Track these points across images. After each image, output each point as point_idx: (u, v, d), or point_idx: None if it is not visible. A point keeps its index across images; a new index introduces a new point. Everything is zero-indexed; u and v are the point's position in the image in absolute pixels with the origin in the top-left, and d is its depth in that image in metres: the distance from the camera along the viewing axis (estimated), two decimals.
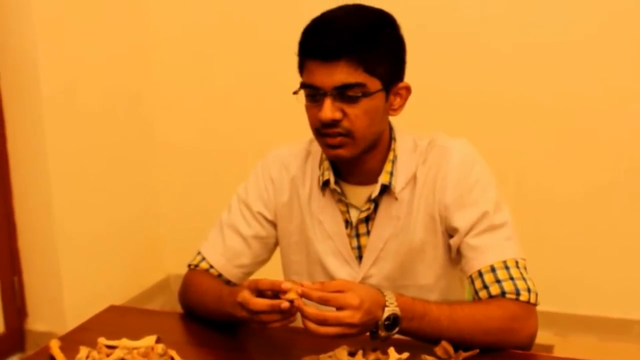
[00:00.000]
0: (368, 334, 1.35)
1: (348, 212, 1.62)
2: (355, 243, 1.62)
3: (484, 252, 1.50)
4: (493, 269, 1.48)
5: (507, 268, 1.48)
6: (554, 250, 3.20)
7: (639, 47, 3.01)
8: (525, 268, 1.51)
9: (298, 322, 1.34)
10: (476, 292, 1.50)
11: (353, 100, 1.45)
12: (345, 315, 1.27)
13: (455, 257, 1.59)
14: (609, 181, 3.15)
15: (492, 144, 2.95)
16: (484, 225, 1.51)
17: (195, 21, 3.59)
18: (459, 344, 1.38)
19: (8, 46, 2.96)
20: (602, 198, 3.17)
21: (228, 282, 1.69)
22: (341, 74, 1.44)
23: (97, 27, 3.24)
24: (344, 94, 1.45)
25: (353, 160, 1.54)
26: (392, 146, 1.59)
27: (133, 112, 3.55)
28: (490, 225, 1.51)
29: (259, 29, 3.48)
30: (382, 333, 1.34)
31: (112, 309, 1.76)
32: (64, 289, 3.16)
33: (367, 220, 1.60)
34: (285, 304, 1.29)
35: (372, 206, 1.58)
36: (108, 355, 1.41)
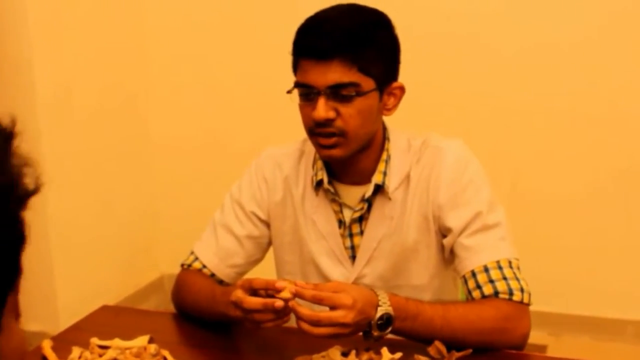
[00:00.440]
0: (361, 333, 1.35)
1: (341, 211, 1.62)
2: (348, 243, 1.62)
3: (477, 252, 1.50)
4: (486, 269, 1.48)
5: (500, 268, 1.48)
6: (548, 250, 3.20)
7: (633, 49, 3.01)
8: (518, 268, 1.51)
9: (292, 322, 1.34)
10: (469, 292, 1.50)
11: (347, 99, 1.45)
12: (338, 315, 1.27)
13: (448, 257, 1.59)
14: (603, 182, 3.15)
15: (487, 144, 2.95)
16: (478, 225, 1.51)
17: (191, 20, 3.59)
18: (452, 344, 1.38)
19: (3, 45, 2.95)
20: (596, 199, 3.17)
21: (221, 282, 1.68)
22: (335, 73, 1.44)
23: (92, 26, 3.24)
24: (338, 93, 1.45)
25: (346, 160, 1.54)
26: (386, 146, 1.59)
27: (128, 112, 3.55)
28: (484, 225, 1.51)
29: (254, 29, 3.47)
30: (376, 333, 1.34)
31: (105, 309, 1.76)
32: (57, 289, 3.15)
33: (361, 220, 1.60)
34: (279, 303, 1.29)
35: (366, 206, 1.58)
36: (101, 356, 1.41)
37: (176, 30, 3.62)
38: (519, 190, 3.22)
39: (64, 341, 1.50)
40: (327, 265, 1.63)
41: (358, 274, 1.61)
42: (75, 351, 1.42)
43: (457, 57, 3.21)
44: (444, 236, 1.57)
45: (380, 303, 1.34)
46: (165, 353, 1.41)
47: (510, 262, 1.50)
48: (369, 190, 1.57)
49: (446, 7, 3.20)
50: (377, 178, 1.56)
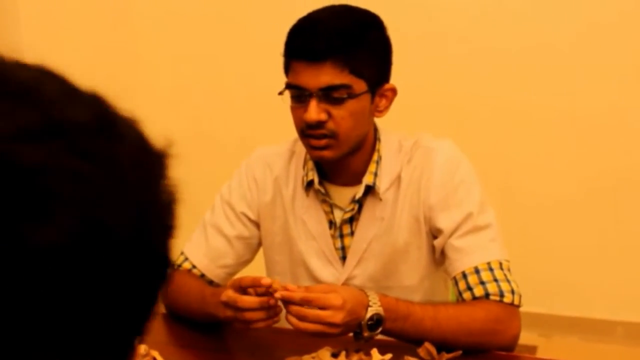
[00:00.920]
0: (351, 334, 1.35)
1: (332, 212, 1.61)
2: (339, 244, 1.62)
3: (468, 254, 1.50)
4: (477, 271, 1.48)
5: (491, 270, 1.48)
6: (538, 251, 3.20)
7: (625, 51, 3.02)
8: (509, 269, 1.51)
9: (282, 323, 1.34)
10: (460, 294, 1.50)
11: (338, 101, 1.45)
12: (327, 314, 1.28)
13: (439, 258, 1.59)
14: (594, 184, 3.16)
15: (478, 146, 2.95)
16: (468, 226, 1.51)
17: (182, 19, 3.58)
18: (443, 345, 1.38)
19: None
20: (586, 201, 3.18)
21: (211, 283, 1.68)
22: (327, 75, 1.43)
23: (83, 25, 3.23)
24: (330, 95, 1.45)
25: (337, 161, 1.54)
26: (377, 147, 1.59)
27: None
28: (475, 227, 1.51)
29: (246, 27, 3.47)
30: (366, 333, 1.34)
31: None
32: None
33: (351, 220, 1.60)
34: (273, 300, 1.30)
35: (356, 207, 1.58)
36: None
37: (167, 28, 3.61)
38: (510, 191, 3.22)
39: None
40: (317, 266, 1.63)
41: (348, 274, 1.61)
42: None
43: (449, 59, 3.22)
44: (435, 237, 1.57)
45: (370, 303, 1.34)
46: (155, 353, 1.40)
47: (501, 264, 1.50)
48: (359, 191, 1.56)
49: (437, 7, 3.21)
50: (367, 179, 1.56)
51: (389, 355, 1.33)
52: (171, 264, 0.48)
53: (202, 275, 1.67)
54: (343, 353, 1.35)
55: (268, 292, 1.33)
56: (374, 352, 1.33)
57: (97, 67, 3.35)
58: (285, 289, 1.31)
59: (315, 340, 1.33)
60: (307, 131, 1.48)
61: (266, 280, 1.32)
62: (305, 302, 1.30)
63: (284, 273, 1.68)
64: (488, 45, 3.16)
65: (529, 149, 3.21)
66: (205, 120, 3.62)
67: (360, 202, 1.58)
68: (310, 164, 1.60)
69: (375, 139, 1.60)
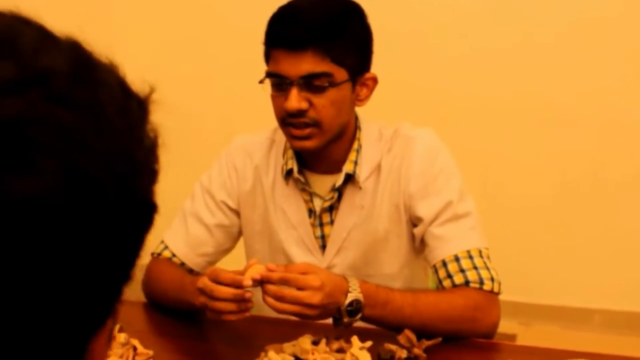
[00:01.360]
0: (331, 321, 1.36)
1: (312, 201, 1.61)
2: (318, 232, 1.62)
3: (448, 242, 1.51)
4: (457, 259, 1.49)
5: (470, 257, 1.49)
6: (517, 242, 3.22)
7: (605, 49, 3.05)
8: (488, 257, 1.52)
9: (261, 310, 1.34)
10: (440, 282, 1.51)
11: (319, 90, 1.45)
12: (305, 295, 1.29)
13: (419, 246, 1.60)
14: (572, 175, 3.18)
15: (458, 137, 2.96)
16: (448, 214, 1.52)
17: (164, 9, 3.56)
18: (422, 332, 1.39)
19: None
20: (564, 193, 3.20)
21: (191, 271, 1.67)
22: (308, 64, 1.43)
23: (63, 18, 3.20)
24: (311, 83, 1.44)
25: (318, 150, 1.54)
26: (357, 135, 1.59)
27: None
28: (454, 215, 1.52)
29: (225, 15, 3.45)
30: (345, 319, 1.35)
31: None
32: None
33: (331, 209, 1.60)
34: (249, 294, 1.29)
35: (336, 195, 1.58)
36: None
37: (148, 18, 3.58)
38: (490, 183, 3.24)
39: None
40: (297, 255, 1.62)
41: (328, 263, 1.61)
42: None
43: (433, 55, 3.23)
44: (415, 225, 1.57)
45: (350, 289, 1.35)
46: (135, 342, 1.40)
47: (480, 252, 1.50)
48: (339, 179, 1.56)
49: (423, 2, 3.22)
50: (347, 167, 1.56)
51: (369, 343, 1.33)
52: (157, 208, 0.48)
53: (182, 264, 1.67)
54: (323, 341, 1.35)
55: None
56: (354, 339, 1.34)
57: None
58: (266, 267, 1.32)
59: (296, 328, 1.33)
60: (288, 119, 1.47)
61: (247, 282, 1.31)
62: (283, 282, 1.31)
63: (263, 261, 1.66)
64: (471, 41, 3.17)
65: (510, 141, 3.23)
66: (184, 110, 3.60)
67: (340, 191, 1.58)
68: (290, 152, 1.60)
69: (356, 127, 1.60)
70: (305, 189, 1.61)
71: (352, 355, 1.31)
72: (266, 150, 1.67)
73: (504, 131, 3.22)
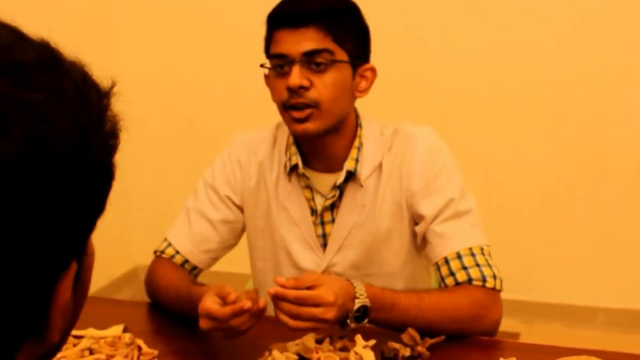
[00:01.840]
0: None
1: (313, 199, 1.62)
2: (320, 231, 1.62)
3: (450, 239, 1.51)
4: (459, 256, 1.50)
5: (472, 255, 1.49)
6: (520, 240, 3.22)
7: (605, 45, 3.05)
8: (489, 254, 1.52)
9: (268, 311, 1.34)
10: (442, 279, 1.51)
11: (321, 69, 1.47)
12: (320, 311, 1.27)
13: (420, 244, 1.60)
14: (575, 173, 3.18)
15: (460, 134, 2.97)
16: (450, 212, 1.52)
17: (163, 5, 3.57)
18: (427, 332, 1.39)
19: None
20: (567, 189, 3.20)
21: (194, 268, 1.68)
22: (310, 41, 1.46)
23: (62, 13, 3.21)
24: (312, 61, 1.46)
25: (318, 143, 1.54)
26: (358, 133, 1.59)
27: None
28: (456, 212, 1.52)
29: (225, 11, 3.46)
30: (352, 324, 1.34)
31: None
32: None
33: (332, 207, 1.60)
34: (247, 304, 1.26)
35: (337, 193, 1.58)
36: (75, 345, 1.40)
37: (147, 15, 3.59)
38: (492, 182, 3.24)
39: None
40: (299, 252, 1.63)
41: (329, 262, 1.61)
42: None
43: (433, 53, 3.23)
44: (416, 223, 1.57)
45: (357, 295, 1.34)
46: (140, 342, 1.41)
47: (482, 249, 1.51)
48: (340, 177, 1.57)
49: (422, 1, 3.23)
50: (349, 164, 1.56)
51: (373, 341, 1.34)
52: (113, 175, 0.59)
53: (186, 261, 1.67)
54: (327, 339, 1.36)
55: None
56: (358, 338, 1.34)
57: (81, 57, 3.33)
58: (275, 282, 1.29)
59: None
60: (290, 101, 1.48)
61: (247, 304, 1.27)
62: (298, 302, 1.28)
63: (266, 258, 1.69)
64: (471, 42, 3.18)
65: (511, 138, 3.23)
66: (186, 107, 3.62)
67: (341, 189, 1.58)
68: (293, 148, 1.60)
69: (357, 124, 1.60)
70: (308, 186, 1.61)
71: (356, 353, 1.31)
72: (270, 147, 1.67)
73: (505, 129, 3.22)
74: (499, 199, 3.22)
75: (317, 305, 1.28)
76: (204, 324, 1.32)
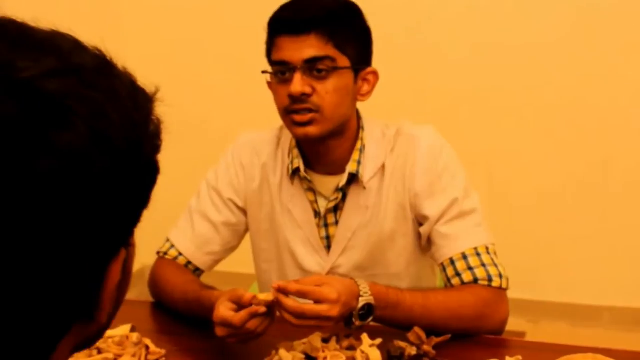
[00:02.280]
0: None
1: (316, 202, 1.62)
2: (324, 233, 1.63)
3: (455, 240, 1.52)
4: (465, 256, 1.50)
5: (478, 255, 1.50)
6: (525, 238, 3.22)
7: (606, 44, 3.05)
8: (495, 253, 1.52)
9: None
10: (448, 280, 1.52)
11: (322, 76, 1.47)
12: (323, 309, 1.28)
13: (425, 244, 1.60)
14: (579, 172, 3.18)
15: (465, 135, 2.97)
16: (454, 212, 1.53)
17: (168, 8, 3.58)
18: (433, 331, 1.39)
19: None
20: (572, 188, 3.20)
21: (196, 270, 1.68)
22: (311, 48, 1.45)
23: (68, 14, 3.21)
24: (314, 68, 1.46)
25: (321, 146, 1.54)
26: (360, 135, 1.59)
27: None
28: (460, 212, 1.53)
29: (229, 12, 3.47)
30: (357, 322, 1.35)
31: None
32: None
33: (336, 210, 1.61)
34: (262, 309, 1.28)
35: (340, 195, 1.58)
36: None
37: (153, 16, 3.60)
38: (496, 181, 3.24)
39: None
40: (303, 254, 1.63)
41: (333, 264, 1.62)
42: None
43: (436, 52, 3.23)
44: (421, 224, 1.58)
45: (361, 293, 1.35)
46: (147, 341, 1.41)
47: (487, 248, 1.51)
48: (343, 179, 1.57)
49: (425, 2, 3.23)
50: (351, 167, 1.56)
51: (379, 340, 1.34)
52: (159, 170, 0.64)
53: (189, 263, 1.67)
54: (334, 338, 1.37)
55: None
56: (365, 337, 1.35)
57: None
58: (278, 284, 1.29)
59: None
60: (292, 107, 1.48)
61: (262, 309, 1.28)
62: (300, 295, 1.29)
63: (270, 260, 1.69)
64: (475, 39, 3.18)
65: (515, 138, 3.23)
66: (190, 106, 3.61)
67: (344, 191, 1.59)
68: (296, 151, 1.60)
69: (359, 127, 1.61)
70: (311, 189, 1.61)
71: (362, 352, 1.32)
72: (273, 149, 1.67)
73: (509, 128, 3.22)
74: (504, 198, 3.22)
75: (320, 302, 1.28)
76: (220, 331, 1.32)
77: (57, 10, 3.12)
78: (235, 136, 1.74)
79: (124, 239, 0.61)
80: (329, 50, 1.46)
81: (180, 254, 1.67)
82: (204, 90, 3.58)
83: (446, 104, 3.22)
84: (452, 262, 1.51)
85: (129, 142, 0.57)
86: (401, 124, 1.61)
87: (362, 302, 1.34)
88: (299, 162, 1.59)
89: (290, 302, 1.28)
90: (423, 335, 1.37)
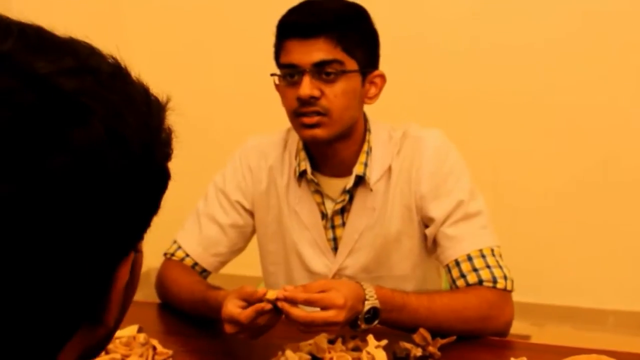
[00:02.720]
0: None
1: (323, 203, 1.63)
2: (330, 235, 1.63)
3: (460, 241, 1.52)
4: (470, 258, 1.50)
5: (483, 256, 1.50)
6: (529, 241, 3.22)
7: (610, 45, 3.05)
8: (500, 255, 1.53)
9: None
10: (453, 281, 1.52)
11: (331, 79, 1.48)
12: (331, 315, 1.28)
13: (431, 246, 1.61)
14: (585, 175, 3.18)
15: (470, 137, 2.97)
16: (460, 214, 1.53)
17: (171, 8, 3.59)
18: (438, 332, 1.40)
19: None
20: (577, 191, 3.20)
21: (203, 271, 1.69)
22: (320, 51, 1.47)
23: (72, 15, 3.23)
24: (322, 71, 1.47)
25: (328, 149, 1.56)
26: (367, 137, 1.60)
27: None
28: (466, 214, 1.53)
29: (234, 16, 3.47)
30: (363, 325, 1.35)
31: None
32: None
33: (342, 211, 1.62)
34: (268, 306, 1.28)
35: (347, 197, 1.59)
36: None
37: (157, 17, 3.61)
38: (501, 183, 3.24)
39: None
40: (310, 256, 1.64)
41: (340, 265, 1.63)
42: None
43: (440, 54, 3.24)
44: (426, 226, 1.58)
45: (367, 297, 1.35)
46: (155, 342, 1.42)
47: (492, 250, 1.52)
48: (350, 181, 1.58)
49: (429, 3, 3.23)
50: (358, 169, 1.57)
51: (385, 341, 1.35)
52: (169, 176, 0.64)
53: (196, 264, 1.68)
54: (340, 339, 1.37)
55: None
56: (370, 338, 1.35)
57: None
58: (284, 290, 1.30)
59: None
60: (300, 109, 1.49)
61: (268, 306, 1.29)
62: (308, 304, 1.30)
63: (277, 262, 1.70)
64: (479, 42, 3.18)
65: (520, 141, 3.23)
66: (196, 110, 3.61)
67: (351, 193, 1.59)
68: (303, 154, 1.62)
69: (366, 129, 1.62)
70: (317, 191, 1.62)
71: (368, 353, 1.32)
72: (281, 151, 1.68)
73: (514, 130, 3.22)
74: (509, 201, 3.22)
75: (327, 308, 1.29)
76: (229, 328, 1.33)
77: (60, 14, 3.14)
78: (241, 140, 1.75)
79: (133, 243, 0.61)
80: (338, 54, 1.47)
81: (187, 255, 1.68)
82: (211, 94, 3.58)
83: (451, 107, 3.22)
84: (457, 263, 1.52)
85: (143, 146, 0.57)
86: (408, 127, 1.62)
87: (367, 305, 1.35)
88: (306, 165, 1.61)
89: (298, 312, 1.28)
90: (428, 336, 1.38)
